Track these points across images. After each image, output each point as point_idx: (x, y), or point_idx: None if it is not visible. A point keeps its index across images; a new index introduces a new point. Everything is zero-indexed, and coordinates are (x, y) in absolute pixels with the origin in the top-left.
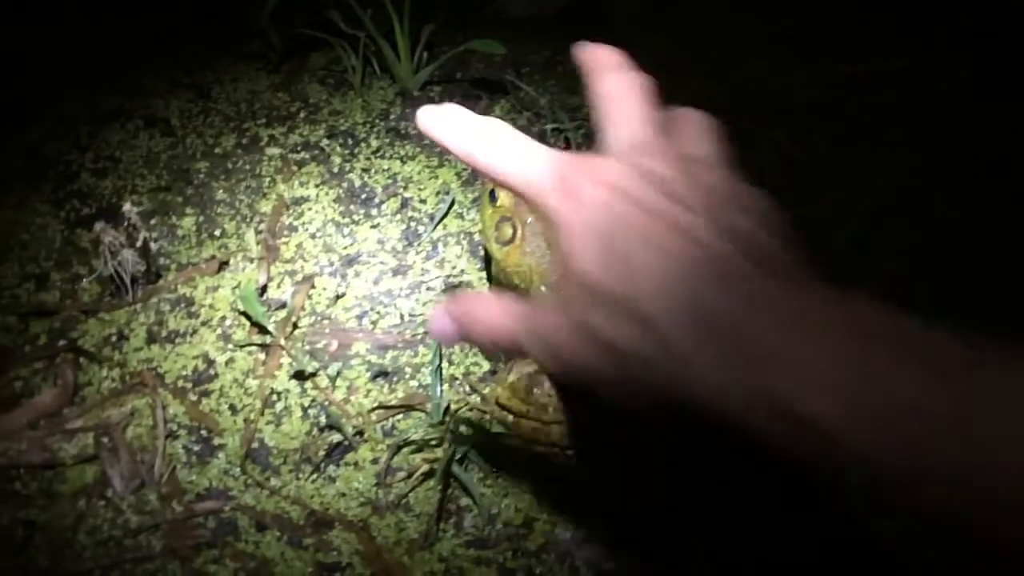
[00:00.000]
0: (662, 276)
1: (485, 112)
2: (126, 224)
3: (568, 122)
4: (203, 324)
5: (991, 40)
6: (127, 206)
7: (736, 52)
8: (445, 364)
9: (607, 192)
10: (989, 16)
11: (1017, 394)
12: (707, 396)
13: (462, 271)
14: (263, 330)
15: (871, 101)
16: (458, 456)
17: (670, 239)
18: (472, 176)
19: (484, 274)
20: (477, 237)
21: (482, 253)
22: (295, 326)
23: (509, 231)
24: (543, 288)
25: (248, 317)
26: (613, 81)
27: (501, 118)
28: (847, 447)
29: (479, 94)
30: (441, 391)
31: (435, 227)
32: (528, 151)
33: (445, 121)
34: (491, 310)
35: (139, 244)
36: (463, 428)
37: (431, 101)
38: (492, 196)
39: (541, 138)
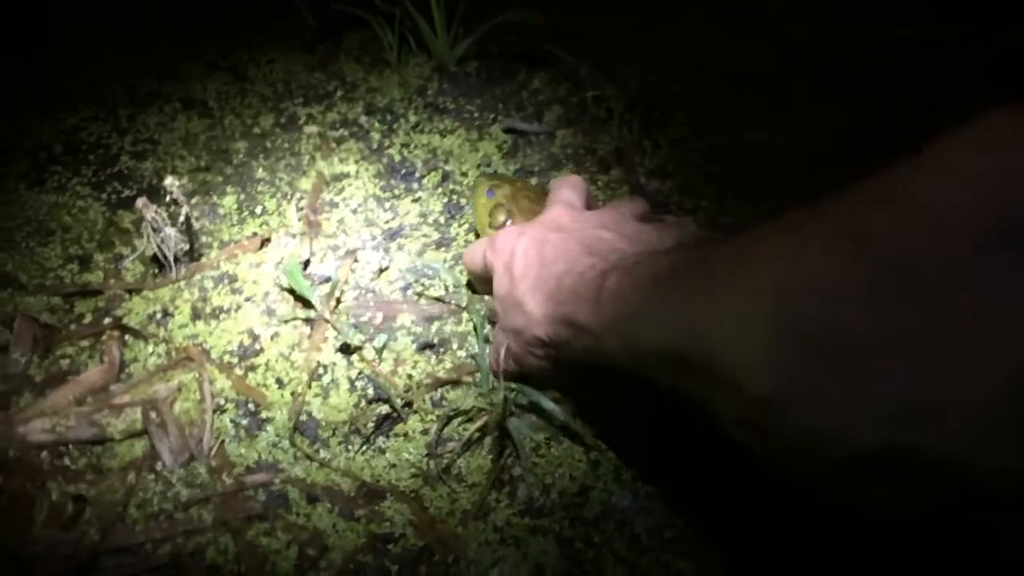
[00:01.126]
0: (529, 273)
1: (524, 84)
2: (168, 200)
3: (610, 89)
4: (247, 300)
5: None
6: (169, 180)
7: (780, 18)
8: (490, 331)
9: (516, 236)
10: None
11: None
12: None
13: None
14: (307, 304)
15: (919, 67)
16: (509, 420)
17: (543, 250)
18: (512, 149)
19: None
20: None
21: None
22: (339, 300)
23: (502, 216)
24: None
25: (292, 292)
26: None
27: (540, 90)
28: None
29: (517, 67)
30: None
31: None
32: (476, 246)
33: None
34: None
35: (181, 220)
36: (513, 395)
37: (468, 76)
38: (489, 192)
39: (582, 108)
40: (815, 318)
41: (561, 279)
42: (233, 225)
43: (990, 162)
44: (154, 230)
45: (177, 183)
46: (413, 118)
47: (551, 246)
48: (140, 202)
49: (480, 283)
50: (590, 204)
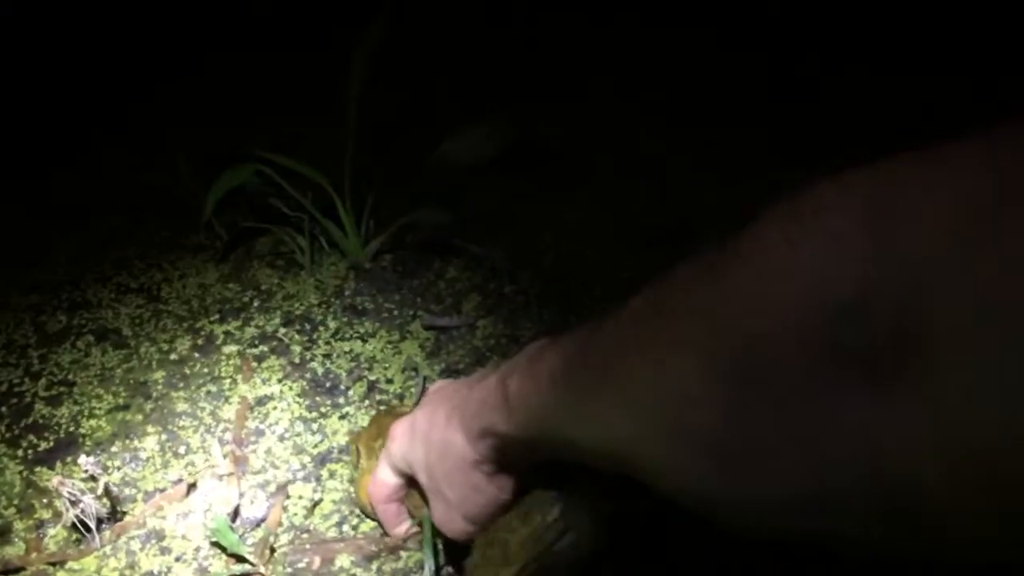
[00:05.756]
0: (435, 417)
1: (440, 273)
2: (86, 475)
3: (525, 272)
4: (177, 560)
5: None
6: (83, 458)
7: (681, 181)
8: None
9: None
10: None
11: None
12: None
13: None
14: (241, 559)
15: None
16: None
17: (435, 398)
18: (435, 347)
19: None
20: None
21: None
22: (273, 550)
23: (356, 457)
24: None
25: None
26: None
27: (457, 278)
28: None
29: (431, 257)
30: None
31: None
32: (375, 474)
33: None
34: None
35: (100, 492)
36: None
37: (383, 271)
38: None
39: (499, 298)
40: (695, 426)
41: (467, 399)
42: (156, 471)
43: (807, 253)
44: (72, 503)
45: (92, 460)
46: (333, 324)
47: (441, 394)
48: (56, 480)
49: (388, 515)
50: None
